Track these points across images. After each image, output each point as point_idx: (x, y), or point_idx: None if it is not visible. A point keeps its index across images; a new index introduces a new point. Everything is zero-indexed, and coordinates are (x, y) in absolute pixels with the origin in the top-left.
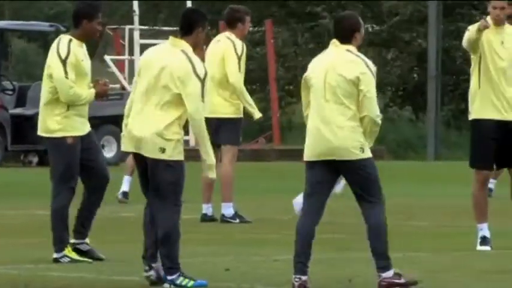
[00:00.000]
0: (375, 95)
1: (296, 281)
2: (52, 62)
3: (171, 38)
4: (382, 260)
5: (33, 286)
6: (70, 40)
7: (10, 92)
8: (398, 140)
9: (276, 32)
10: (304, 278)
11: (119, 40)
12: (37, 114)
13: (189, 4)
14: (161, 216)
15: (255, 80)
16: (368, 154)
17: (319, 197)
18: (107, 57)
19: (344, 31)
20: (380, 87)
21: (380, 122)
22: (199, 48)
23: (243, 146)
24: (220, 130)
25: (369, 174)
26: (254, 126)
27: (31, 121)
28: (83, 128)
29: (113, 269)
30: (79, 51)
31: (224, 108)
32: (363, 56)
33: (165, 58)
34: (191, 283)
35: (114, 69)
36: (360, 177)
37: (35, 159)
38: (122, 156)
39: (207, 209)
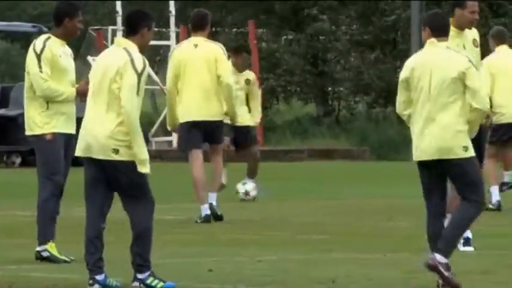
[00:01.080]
0: (481, 87)
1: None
2: (28, 58)
3: (115, 39)
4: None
5: (17, 287)
6: (48, 38)
7: None
8: (381, 140)
9: (260, 33)
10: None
11: (102, 41)
12: (20, 115)
13: (172, 5)
14: (135, 215)
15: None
16: (471, 153)
17: (437, 196)
18: (90, 58)
19: (445, 27)
20: (364, 88)
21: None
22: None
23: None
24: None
25: (469, 173)
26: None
27: (14, 122)
28: (66, 126)
29: None
30: (58, 48)
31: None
32: (462, 51)
33: (108, 59)
34: (160, 284)
35: None
36: (462, 176)
37: (18, 160)
38: None
39: (206, 209)
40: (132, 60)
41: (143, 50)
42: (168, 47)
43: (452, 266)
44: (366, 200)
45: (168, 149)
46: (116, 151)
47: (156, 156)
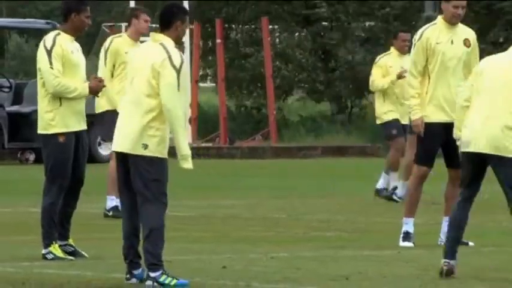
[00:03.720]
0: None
1: (445, 265)
2: (39, 55)
3: (151, 34)
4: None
5: (30, 284)
6: (57, 34)
7: (7, 90)
8: None
9: (272, 30)
10: (452, 262)
11: None
12: (34, 111)
13: (185, 4)
14: (146, 213)
15: (252, 77)
16: None
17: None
18: None
19: None
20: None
21: None
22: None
23: (239, 144)
24: None
25: None
26: (250, 123)
27: (28, 118)
28: (77, 125)
29: (110, 267)
30: (68, 44)
31: None
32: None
33: (145, 55)
34: (174, 281)
35: None
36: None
37: (32, 157)
38: None
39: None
40: (169, 57)
41: (178, 43)
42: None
43: (465, 263)
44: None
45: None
46: (146, 146)
47: (168, 152)
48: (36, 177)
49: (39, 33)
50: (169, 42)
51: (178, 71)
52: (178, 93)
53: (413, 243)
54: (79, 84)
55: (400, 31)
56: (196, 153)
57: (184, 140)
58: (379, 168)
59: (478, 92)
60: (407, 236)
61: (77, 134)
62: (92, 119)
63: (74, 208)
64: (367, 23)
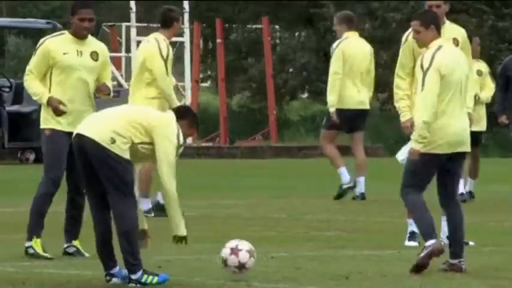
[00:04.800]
0: None
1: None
2: None
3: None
4: None
5: (30, 283)
6: (60, 34)
7: (7, 89)
8: (396, 137)
9: (273, 30)
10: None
11: (116, 37)
12: (34, 111)
13: (185, 4)
14: (120, 212)
15: (251, 77)
16: None
17: None
18: None
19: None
20: (378, 85)
21: None
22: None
23: (239, 144)
24: None
25: None
26: (250, 123)
27: (28, 118)
28: (70, 126)
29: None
30: (65, 45)
31: None
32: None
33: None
34: (155, 279)
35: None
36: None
37: (32, 156)
38: None
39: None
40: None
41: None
42: (181, 43)
43: (465, 262)
44: (379, 197)
45: None
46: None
47: None
48: (36, 177)
49: (40, 33)
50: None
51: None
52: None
53: (419, 242)
54: (42, 91)
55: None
56: (197, 153)
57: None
58: (379, 168)
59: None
60: (412, 236)
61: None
62: None
63: (81, 210)
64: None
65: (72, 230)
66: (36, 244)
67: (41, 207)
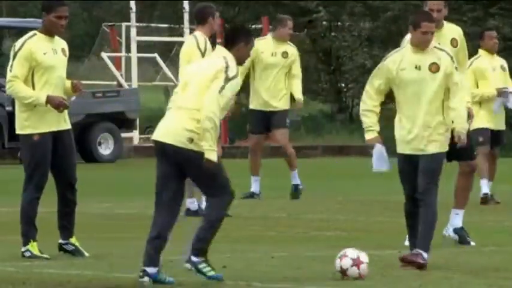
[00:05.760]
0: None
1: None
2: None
3: (217, 46)
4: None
5: (30, 283)
6: (32, 35)
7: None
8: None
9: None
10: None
11: (116, 37)
12: None
13: (185, 4)
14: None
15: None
16: None
17: None
18: (104, 54)
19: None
20: None
21: None
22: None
23: (239, 143)
24: None
25: None
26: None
27: None
28: (54, 124)
29: (110, 266)
30: (42, 45)
31: None
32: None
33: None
34: (211, 272)
35: (110, 66)
36: None
37: None
38: (118, 153)
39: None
40: (226, 68)
41: (239, 63)
42: (181, 43)
43: (466, 262)
44: (380, 197)
45: None
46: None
47: None
48: None
49: None
50: (231, 58)
51: (229, 80)
52: (217, 102)
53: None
54: (35, 92)
55: (486, 30)
56: None
57: (208, 140)
58: None
59: None
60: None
61: (55, 135)
62: (93, 118)
63: (73, 207)
64: (367, 23)
65: (68, 226)
66: (33, 247)
67: (30, 213)
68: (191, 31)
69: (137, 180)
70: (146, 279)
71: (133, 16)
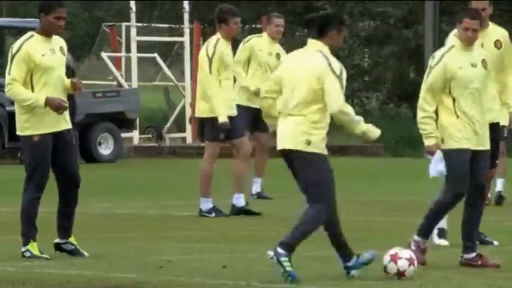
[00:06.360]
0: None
1: None
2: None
3: (309, 40)
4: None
5: (30, 283)
6: (30, 36)
7: None
8: (397, 137)
9: None
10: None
11: (116, 37)
12: None
13: (185, 4)
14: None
15: None
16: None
17: None
18: (104, 54)
19: None
20: (377, 84)
21: None
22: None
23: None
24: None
25: None
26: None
27: None
28: (54, 125)
29: (110, 266)
30: (40, 46)
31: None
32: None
33: (304, 62)
34: (289, 268)
35: (110, 66)
36: None
37: None
38: (118, 153)
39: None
40: (330, 65)
41: (333, 51)
42: (181, 43)
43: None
44: (380, 197)
45: (182, 145)
46: (309, 142)
47: (169, 152)
48: None
49: None
50: (326, 50)
51: (339, 77)
52: (341, 94)
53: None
54: (34, 95)
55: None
56: (197, 153)
57: (361, 125)
58: (379, 168)
59: None
60: (441, 233)
61: (56, 134)
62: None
63: (74, 207)
64: (368, 23)
65: (67, 225)
66: (33, 247)
67: (30, 213)
68: (191, 31)
69: (137, 180)
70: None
71: (133, 16)
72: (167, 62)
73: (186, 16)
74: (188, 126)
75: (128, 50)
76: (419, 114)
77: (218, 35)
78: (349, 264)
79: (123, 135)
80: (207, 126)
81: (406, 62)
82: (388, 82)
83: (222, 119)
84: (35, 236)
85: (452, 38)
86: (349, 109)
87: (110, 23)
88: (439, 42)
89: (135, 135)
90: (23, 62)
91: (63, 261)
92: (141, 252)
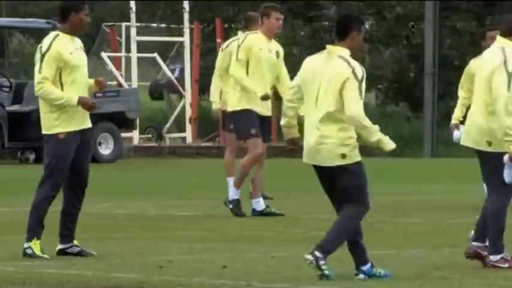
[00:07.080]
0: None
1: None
2: (35, 57)
3: (327, 46)
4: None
5: (30, 283)
6: (56, 35)
7: (7, 89)
8: (395, 136)
9: None
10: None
11: (116, 37)
12: (34, 111)
13: (185, 4)
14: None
15: None
16: None
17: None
18: (104, 54)
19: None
20: (376, 83)
21: None
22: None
23: (239, 143)
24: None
25: None
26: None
27: (28, 118)
28: (81, 122)
29: (110, 266)
30: (67, 45)
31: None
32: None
33: (328, 69)
34: (327, 272)
35: (110, 66)
36: None
37: (32, 156)
38: (118, 153)
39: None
40: (353, 71)
41: (354, 53)
42: (181, 43)
43: (465, 263)
44: (379, 197)
45: (182, 145)
46: (343, 156)
47: (169, 152)
48: (36, 177)
49: (39, 33)
50: (347, 54)
51: (360, 82)
52: (360, 100)
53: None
54: (66, 94)
55: (488, 30)
56: (197, 153)
57: (377, 134)
58: (378, 168)
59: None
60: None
61: (81, 132)
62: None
63: (79, 209)
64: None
65: (72, 228)
66: (35, 245)
67: (43, 210)
68: (191, 31)
69: (137, 180)
70: (362, 276)
71: (133, 16)
72: (167, 62)
73: (186, 16)
74: (188, 126)
75: (128, 50)
76: (506, 122)
77: (251, 32)
78: (364, 268)
79: (123, 135)
80: (237, 123)
81: (406, 61)
82: (387, 81)
83: (260, 93)
84: (40, 235)
85: None
86: (365, 116)
87: (110, 23)
88: (439, 43)
89: (135, 135)
90: (53, 61)
91: (63, 261)
92: (141, 252)
